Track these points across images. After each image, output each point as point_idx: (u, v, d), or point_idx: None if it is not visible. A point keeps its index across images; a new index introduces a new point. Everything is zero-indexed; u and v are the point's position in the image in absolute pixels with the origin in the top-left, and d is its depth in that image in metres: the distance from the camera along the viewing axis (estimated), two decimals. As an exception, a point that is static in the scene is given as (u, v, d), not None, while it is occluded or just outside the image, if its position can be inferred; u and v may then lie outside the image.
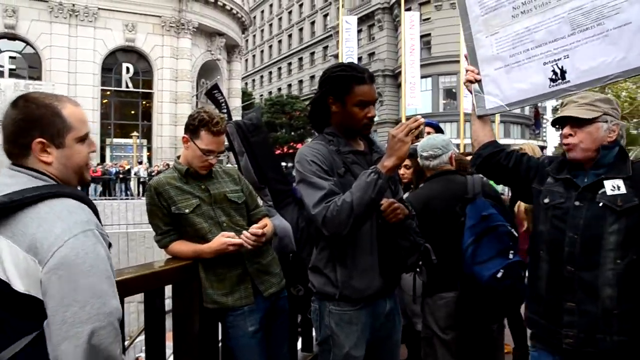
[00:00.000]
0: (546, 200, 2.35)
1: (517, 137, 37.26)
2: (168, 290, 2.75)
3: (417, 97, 20.92)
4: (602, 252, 2.12)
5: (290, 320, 3.25)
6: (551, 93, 2.38)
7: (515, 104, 2.57)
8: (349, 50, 23.64)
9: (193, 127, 2.76)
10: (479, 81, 2.64)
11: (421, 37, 28.92)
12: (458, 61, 19.97)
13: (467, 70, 2.70)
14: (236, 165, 3.38)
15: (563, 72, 2.31)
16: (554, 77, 2.35)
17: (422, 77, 25.34)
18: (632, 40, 2.09)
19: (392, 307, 2.55)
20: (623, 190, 2.15)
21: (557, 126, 2.39)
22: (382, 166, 2.17)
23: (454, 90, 33.14)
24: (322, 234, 2.29)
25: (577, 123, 2.27)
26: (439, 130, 5.05)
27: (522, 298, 3.04)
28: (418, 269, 2.67)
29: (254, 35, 75.12)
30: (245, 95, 51.45)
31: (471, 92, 2.70)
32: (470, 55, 2.66)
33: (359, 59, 32.82)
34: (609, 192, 2.16)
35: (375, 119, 2.55)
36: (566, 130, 2.31)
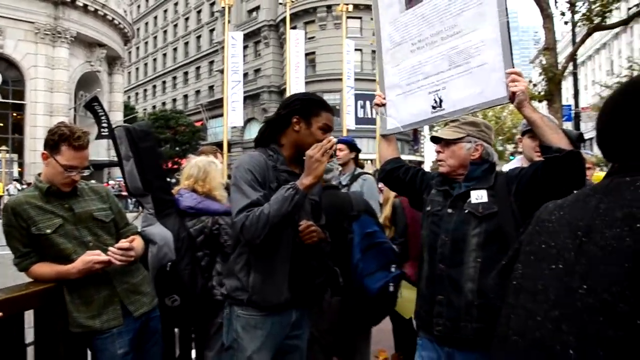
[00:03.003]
0: (428, 208, 2.69)
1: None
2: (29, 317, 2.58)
3: (302, 113, 21.24)
4: (466, 252, 2.43)
5: (165, 335, 3.19)
6: (432, 118, 2.77)
7: (408, 126, 2.95)
8: (234, 65, 23.52)
9: (53, 143, 2.64)
10: (384, 105, 3.00)
11: (306, 55, 29.49)
12: (341, 79, 20.58)
13: (376, 95, 3.05)
14: (109, 183, 3.30)
15: (441, 101, 2.70)
16: (434, 104, 2.73)
17: (308, 94, 25.86)
18: (488, 78, 2.48)
19: (299, 317, 2.62)
20: (485, 199, 2.48)
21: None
22: (300, 183, 2.38)
23: (337, 107, 34.10)
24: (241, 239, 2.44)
25: (445, 142, 2.66)
26: (353, 146, 5.27)
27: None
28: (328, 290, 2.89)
29: (138, 48, 72.62)
30: (128, 109, 49.48)
31: (378, 114, 3.07)
32: (380, 82, 3.04)
33: (245, 74, 32.77)
34: (473, 201, 2.49)
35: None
36: (437, 148, 2.72)
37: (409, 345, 3.99)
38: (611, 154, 1.36)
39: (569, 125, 20.16)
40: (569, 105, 19.68)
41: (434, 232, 2.57)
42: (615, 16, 16.36)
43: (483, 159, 2.62)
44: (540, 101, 15.82)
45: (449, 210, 2.55)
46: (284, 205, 2.31)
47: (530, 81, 16.36)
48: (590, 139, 41.14)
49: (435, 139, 2.72)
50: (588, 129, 33.99)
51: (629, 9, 15.84)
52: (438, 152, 2.69)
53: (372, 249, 3.16)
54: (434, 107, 2.72)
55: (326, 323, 3.34)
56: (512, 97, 2.38)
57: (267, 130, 2.67)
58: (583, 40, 15.96)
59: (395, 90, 2.94)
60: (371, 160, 21.43)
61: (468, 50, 2.55)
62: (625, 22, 16.25)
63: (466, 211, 2.48)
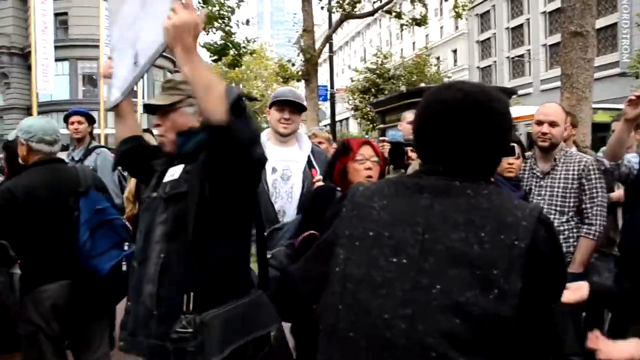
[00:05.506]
0: (145, 195, 2.19)
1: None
2: None
3: (50, 81, 18.84)
4: (151, 245, 1.95)
5: None
6: (134, 78, 2.13)
7: (124, 93, 2.30)
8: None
9: None
10: (110, 74, 2.36)
11: (56, 15, 26.47)
12: (98, 46, 19.04)
13: (105, 65, 2.42)
14: None
15: (138, 55, 2.02)
16: (135, 60, 2.06)
17: (58, 59, 23.31)
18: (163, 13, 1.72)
19: None
20: (176, 176, 1.99)
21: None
22: None
23: (94, 77, 31.42)
24: None
25: (162, 111, 2.11)
26: (91, 117, 5.01)
27: None
28: None
29: None
30: None
31: (106, 86, 2.49)
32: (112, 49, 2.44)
33: (-19, 31, 28.32)
34: (166, 180, 2.02)
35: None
36: (156, 120, 2.17)
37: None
38: (427, 155, 1.37)
39: (325, 105, 21.64)
40: (325, 86, 21.04)
41: (142, 221, 2.08)
42: (367, 8, 17.92)
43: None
44: (298, 80, 16.62)
45: (153, 194, 2.06)
46: None
47: (289, 60, 17.08)
48: (346, 118, 45.08)
49: (149, 108, 2.20)
50: (342, 109, 37.06)
51: (374, 2, 17.43)
52: (157, 125, 2.15)
53: (102, 227, 2.95)
54: (135, 64, 2.06)
55: (50, 309, 3.00)
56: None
57: None
58: (337, 26, 17.14)
59: (114, 54, 2.37)
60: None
61: None
62: (371, 14, 17.87)
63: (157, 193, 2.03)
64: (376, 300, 1.21)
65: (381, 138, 4.40)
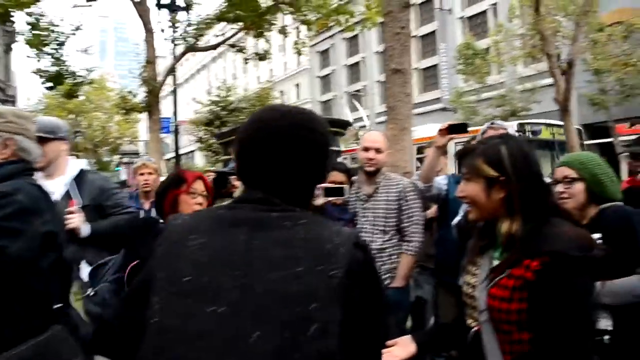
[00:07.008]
0: None
1: None
2: None
3: None
4: None
5: None
6: None
7: None
8: None
9: None
10: None
11: None
12: None
13: None
14: None
15: None
16: None
17: None
18: None
19: None
20: None
21: None
22: None
23: None
24: None
25: None
26: None
27: None
28: None
29: None
30: None
31: None
32: None
33: None
34: None
35: None
36: None
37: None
38: (247, 180, 1.32)
39: (170, 137, 21.16)
40: (169, 118, 20.62)
41: None
42: (213, 41, 17.97)
43: (19, 158, 2.14)
44: (140, 112, 16.11)
45: None
46: None
47: (130, 91, 16.55)
48: (192, 151, 44.33)
49: None
50: (188, 142, 36.47)
51: (217, 36, 17.60)
52: None
53: None
54: None
55: None
56: None
57: None
58: (180, 58, 16.95)
59: None
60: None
61: None
62: (214, 47, 17.95)
63: None
64: (194, 354, 1.12)
65: (207, 168, 4.42)
